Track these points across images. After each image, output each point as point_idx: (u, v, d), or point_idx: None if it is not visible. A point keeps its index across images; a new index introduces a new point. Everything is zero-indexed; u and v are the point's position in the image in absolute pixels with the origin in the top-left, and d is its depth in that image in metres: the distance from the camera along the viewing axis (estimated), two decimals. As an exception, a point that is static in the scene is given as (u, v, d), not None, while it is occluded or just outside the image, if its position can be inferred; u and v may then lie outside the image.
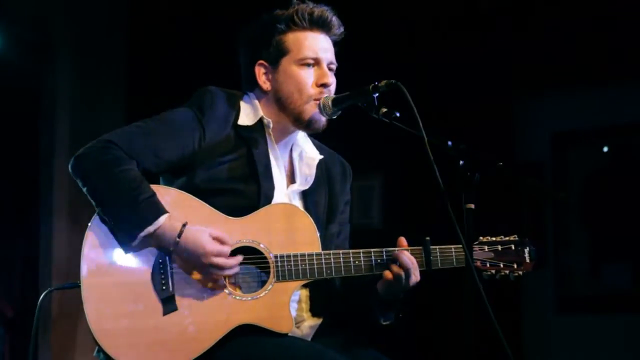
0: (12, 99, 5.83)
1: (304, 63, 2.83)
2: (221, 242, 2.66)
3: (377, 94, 2.69)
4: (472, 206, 2.49)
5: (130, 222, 2.62)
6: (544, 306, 5.92)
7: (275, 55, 2.84)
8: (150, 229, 2.62)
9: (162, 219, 2.63)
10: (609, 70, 5.54)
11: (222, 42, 5.64)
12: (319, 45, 2.85)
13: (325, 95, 2.82)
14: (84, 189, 2.68)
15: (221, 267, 2.66)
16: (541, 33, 5.58)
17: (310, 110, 2.83)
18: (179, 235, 2.64)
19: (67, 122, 5.92)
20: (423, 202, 4.83)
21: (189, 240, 2.64)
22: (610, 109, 5.75)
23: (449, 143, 2.55)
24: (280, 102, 2.85)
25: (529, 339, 5.82)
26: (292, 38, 2.84)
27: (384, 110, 2.69)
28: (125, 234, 2.63)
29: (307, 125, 2.86)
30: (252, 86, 2.91)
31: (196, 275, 2.69)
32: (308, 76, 2.84)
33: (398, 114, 2.66)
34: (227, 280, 2.71)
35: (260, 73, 2.87)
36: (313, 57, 2.84)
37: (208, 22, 5.86)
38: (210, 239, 2.65)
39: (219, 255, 2.65)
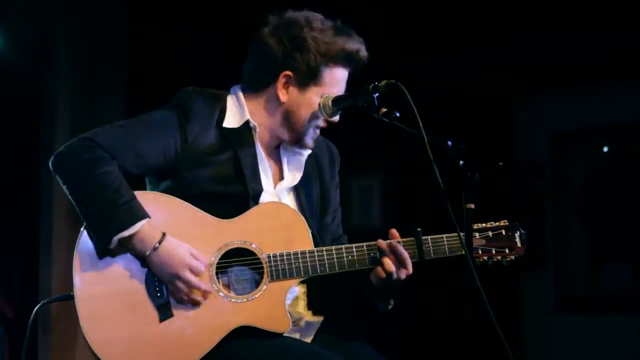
0: (12, 99, 5.84)
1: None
2: (197, 259, 2.65)
3: (377, 94, 2.69)
4: (472, 206, 2.49)
5: (107, 226, 2.60)
6: (544, 306, 5.92)
7: (307, 77, 2.79)
8: (125, 233, 2.60)
9: (140, 224, 2.61)
10: (609, 70, 5.55)
11: (222, 43, 5.65)
12: (344, 84, 2.85)
13: (325, 96, 2.82)
14: (64, 187, 2.67)
15: (190, 284, 2.64)
16: (541, 33, 5.58)
17: (311, 135, 2.84)
18: (159, 242, 2.62)
19: (67, 122, 5.92)
20: (423, 202, 4.83)
21: (168, 250, 2.63)
22: (610, 109, 5.76)
23: (449, 143, 2.55)
24: (288, 119, 2.82)
25: (529, 339, 5.82)
26: (330, 73, 2.80)
27: (384, 110, 2.68)
28: (101, 236, 2.61)
29: (301, 147, 2.86)
30: (259, 86, 2.85)
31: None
32: None
33: (398, 114, 2.66)
34: (220, 283, 2.71)
35: (282, 83, 2.81)
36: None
37: (208, 22, 5.86)
38: (188, 253, 2.65)
39: (193, 270, 2.63)
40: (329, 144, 3.04)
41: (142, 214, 2.62)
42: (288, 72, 2.79)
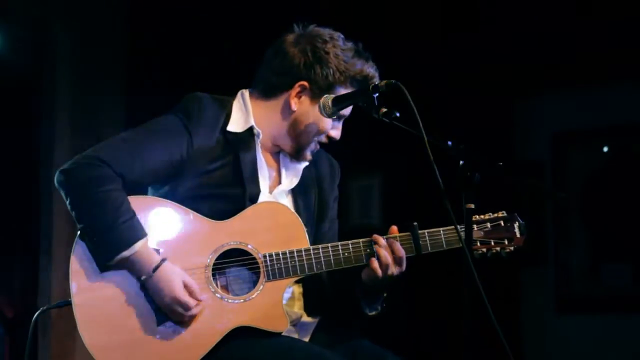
0: (12, 98, 5.83)
1: (336, 117, 2.85)
2: (190, 292, 2.65)
3: (377, 94, 2.69)
4: (472, 206, 2.49)
5: (108, 245, 2.62)
6: (543, 306, 5.92)
7: (322, 91, 2.81)
8: (125, 253, 2.61)
9: (138, 245, 2.62)
10: (609, 70, 5.55)
11: (222, 43, 5.65)
12: (351, 106, 2.88)
13: (325, 96, 2.82)
14: (67, 202, 2.68)
15: (180, 316, 2.64)
16: (541, 33, 5.58)
17: (312, 147, 2.87)
18: (155, 269, 2.63)
19: (67, 122, 5.92)
20: (423, 202, 4.83)
21: (162, 278, 2.63)
22: (610, 109, 5.76)
23: (449, 143, 2.55)
24: (295, 128, 2.84)
25: (529, 339, 5.82)
26: (342, 93, 2.82)
27: (384, 110, 2.69)
28: (102, 255, 2.63)
29: (300, 159, 2.89)
30: (272, 92, 2.86)
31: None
32: (330, 126, 2.86)
33: (398, 114, 2.66)
34: (218, 284, 2.71)
35: (296, 92, 2.83)
36: (344, 116, 2.88)
37: (208, 22, 5.86)
38: (182, 285, 2.64)
39: (182, 306, 2.63)
40: (330, 158, 3.06)
41: (139, 234, 2.64)
42: (304, 83, 2.82)
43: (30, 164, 5.98)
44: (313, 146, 2.88)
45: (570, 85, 5.77)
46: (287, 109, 2.85)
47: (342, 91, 2.82)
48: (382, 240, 2.77)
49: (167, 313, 2.66)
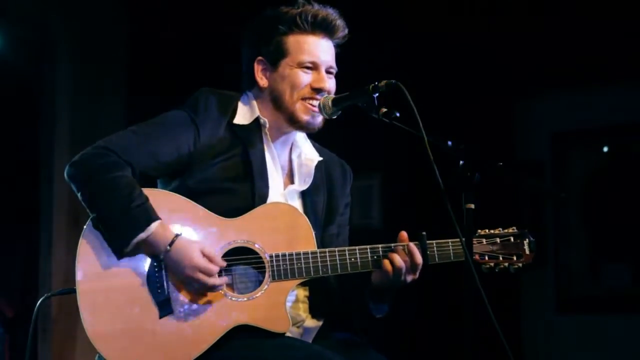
0: (12, 99, 5.84)
1: (302, 66, 2.83)
2: (210, 260, 2.66)
3: (376, 94, 2.69)
4: (472, 206, 2.49)
5: (123, 229, 2.62)
6: (544, 306, 5.92)
7: (275, 55, 2.84)
8: (142, 235, 2.62)
9: (154, 225, 2.63)
10: (609, 70, 5.55)
11: (222, 43, 5.65)
12: (318, 50, 2.85)
13: (325, 96, 2.82)
14: (78, 195, 2.69)
15: (204, 284, 2.65)
16: (541, 33, 5.58)
17: (302, 109, 2.83)
18: (170, 244, 2.64)
19: (67, 122, 5.92)
20: (423, 202, 4.83)
21: (179, 251, 2.64)
22: (610, 109, 5.76)
23: (449, 143, 2.55)
24: (275, 100, 2.85)
25: (529, 339, 5.82)
26: (293, 41, 2.84)
27: (384, 110, 2.69)
28: (118, 240, 2.63)
29: (300, 125, 2.86)
30: (251, 82, 2.91)
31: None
32: (305, 78, 2.84)
33: (398, 114, 2.66)
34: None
35: (259, 69, 2.87)
36: (311, 62, 2.84)
37: (208, 22, 5.86)
38: (201, 254, 2.65)
39: (204, 272, 2.64)
40: (342, 162, 3.07)
41: (154, 216, 2.64)
42: (259, 57, 2.87)
43: (30, 164, 5.98)
44: (301, 106, 2.83)
45: (570, 85, 5.77)
46: (261, 89, 2.88)
47: (291, 41, 2.83)
48: (401, 248, 2.76)
49: (190, 288, 2.65)
